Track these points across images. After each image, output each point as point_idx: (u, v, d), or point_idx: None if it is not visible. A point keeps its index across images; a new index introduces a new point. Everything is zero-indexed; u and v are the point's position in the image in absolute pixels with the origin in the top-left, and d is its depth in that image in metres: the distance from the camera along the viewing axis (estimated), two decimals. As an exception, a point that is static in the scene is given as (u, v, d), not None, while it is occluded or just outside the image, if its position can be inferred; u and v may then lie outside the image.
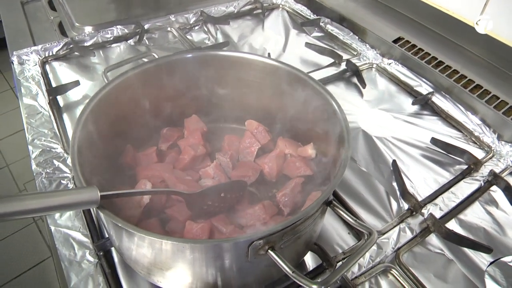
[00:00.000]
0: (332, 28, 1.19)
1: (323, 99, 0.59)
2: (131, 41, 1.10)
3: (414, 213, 0.69)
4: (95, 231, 0.64)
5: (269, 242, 0.42)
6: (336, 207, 0.49)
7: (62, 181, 0.70)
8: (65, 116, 0.86)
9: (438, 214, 0.69)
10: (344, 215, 0.48)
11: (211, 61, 0.65)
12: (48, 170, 0.71)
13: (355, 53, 1.11)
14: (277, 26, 1.23)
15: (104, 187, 0.56)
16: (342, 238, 0.66)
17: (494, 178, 0.76)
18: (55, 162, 0.73)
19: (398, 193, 0.73)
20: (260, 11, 1.29)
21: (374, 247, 0.63)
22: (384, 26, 1.13)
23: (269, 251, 0.43)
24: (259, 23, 1.25)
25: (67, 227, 0.63)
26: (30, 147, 0.76)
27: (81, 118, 0.55)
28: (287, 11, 1.31)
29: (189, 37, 1.13)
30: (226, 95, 0.68)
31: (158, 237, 0.42)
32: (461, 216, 0.71)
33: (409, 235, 0.66)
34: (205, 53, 0.68)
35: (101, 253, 0.60)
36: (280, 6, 1.34)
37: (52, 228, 0.63)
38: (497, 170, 0.78)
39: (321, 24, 1.21)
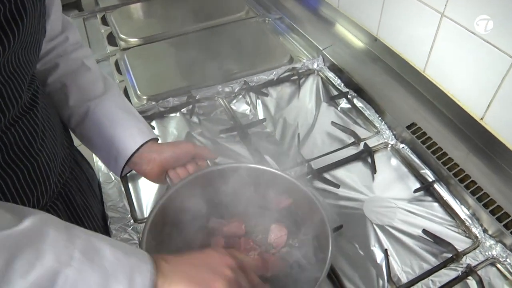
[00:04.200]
0: (358, 103, 1.36)
1: (313, 204, 0.81)
2: (184, 110, 1.32)
3: (395, 296, 0.88)
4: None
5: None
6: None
7: (132, 246, 0.93)
8: (130, 186, 1.09)
9: (415, 298, 0.88)
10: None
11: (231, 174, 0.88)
12: (122, 236, 0.95)
13: (375, 130, 1.27)
14: (311, 95, 1.42)
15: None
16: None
17: (470, 271, 0.92)
18: (127, 229, 0.97)
19: (385, 277, 0.92)
20: (296, 77, 1.48)
21: (358, 323, 0.83)
22: (403, 106, 1.29)
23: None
24: (296, 90, 1.45)
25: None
26: (107, 213, 1.00)
27: (148, 219, 0.77)
28: (321, 78, 1.50)
29: (233, 107, 1.35)
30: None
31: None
32: (437, 301, 0.89)
33: (388, 313, 0.85)
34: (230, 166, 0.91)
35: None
36: (316, 71, 1.53)
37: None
38: (477, 262, 0.94)
39: (349, 97, 1.38)
